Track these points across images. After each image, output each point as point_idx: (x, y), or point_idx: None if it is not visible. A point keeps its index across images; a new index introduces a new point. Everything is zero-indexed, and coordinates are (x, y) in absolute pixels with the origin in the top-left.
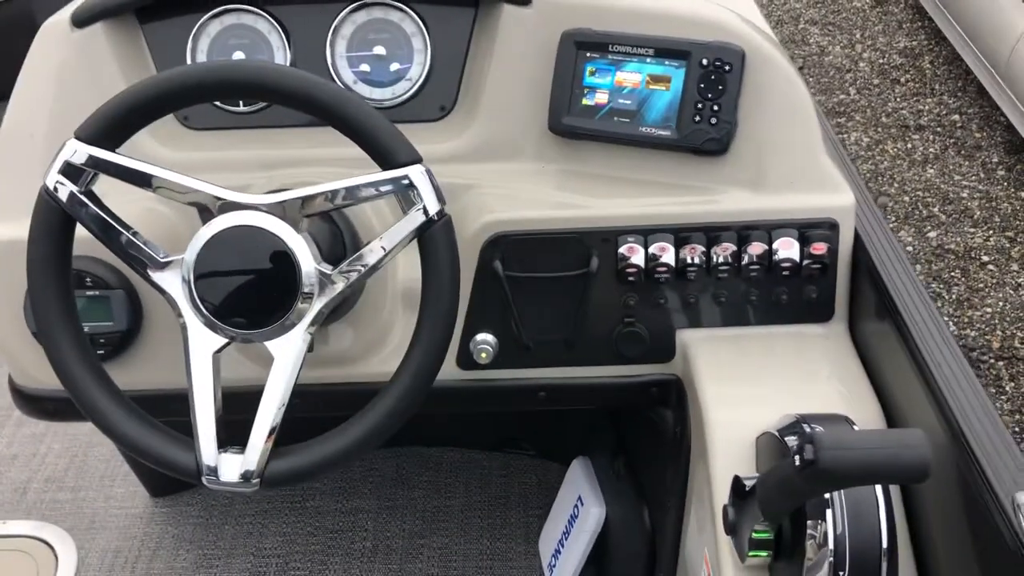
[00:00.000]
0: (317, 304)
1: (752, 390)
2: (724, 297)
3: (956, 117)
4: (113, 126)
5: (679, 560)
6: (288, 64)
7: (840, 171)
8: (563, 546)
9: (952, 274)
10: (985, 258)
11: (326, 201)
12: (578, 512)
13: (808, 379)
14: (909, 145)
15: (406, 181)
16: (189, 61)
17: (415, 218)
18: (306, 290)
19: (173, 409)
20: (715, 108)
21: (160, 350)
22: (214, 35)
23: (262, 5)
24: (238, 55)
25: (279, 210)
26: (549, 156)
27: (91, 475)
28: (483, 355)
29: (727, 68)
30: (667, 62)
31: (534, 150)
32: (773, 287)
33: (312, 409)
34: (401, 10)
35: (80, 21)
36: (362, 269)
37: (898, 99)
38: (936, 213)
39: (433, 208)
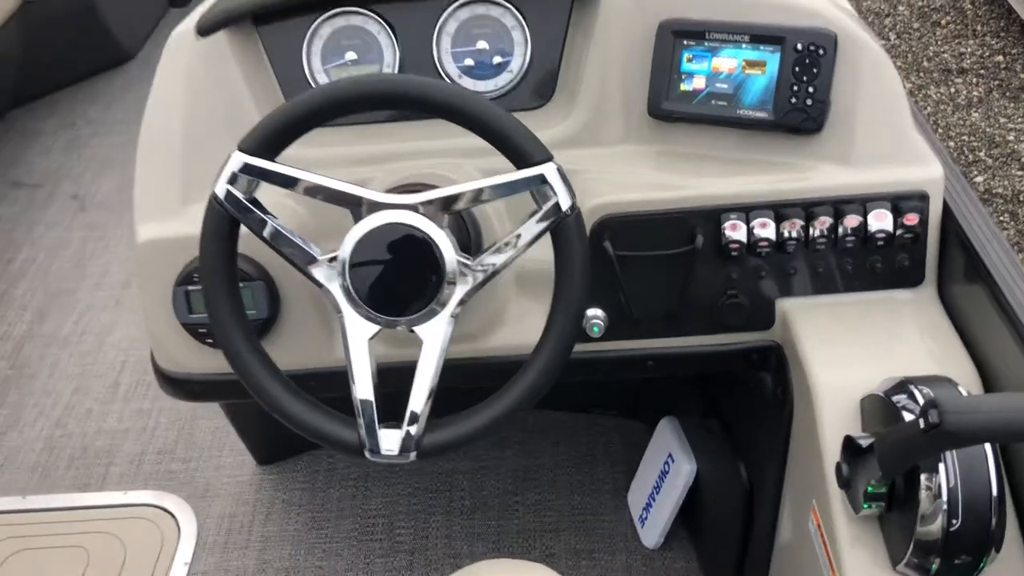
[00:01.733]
0: (459, 292)
1: (853, 354)
2: (821, 267)
3: (1000, 58)
4: (273, 138)
5: (780, 512)
6: (397, 61)
7: (927, 143)
8: (654, 500)
9: (1001, 219)
10: None
11: (470, 200)
12: (668, 468)
13: (904, 342)
14: (952, 89)
15: (541, 179)
16: (304, 62)
17: (549, 212)
18: (449, 279)
19: (308, 387)
20: (810, 90)
21: (295, 334)
22: (327, 37)
23: (371, 7)
24: (350, 55)
25: (425, 208)
26: (647, 139)
27: (199, 446)
28: (595, 329)
29: (821, 52)
30: (762, 47)
31: (632, 134)
32: (867, 256)
33: (441, 382)
34: (501, 5)
35: (204, 30)
36: (500, 260)
37: (939, 42)
38: (983, 157)
39: (566, 203)
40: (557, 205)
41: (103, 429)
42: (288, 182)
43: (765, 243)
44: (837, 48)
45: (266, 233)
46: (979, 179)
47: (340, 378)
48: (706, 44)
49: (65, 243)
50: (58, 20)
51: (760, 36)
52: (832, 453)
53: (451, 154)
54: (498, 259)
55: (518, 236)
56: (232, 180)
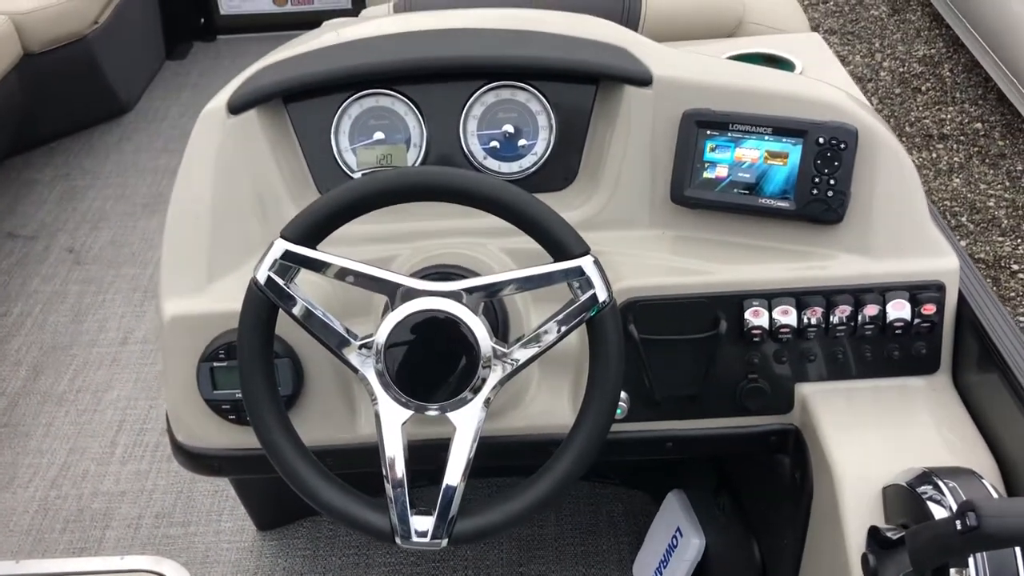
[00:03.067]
0: (493, 379)
1: (872, 441)
2: (840, 354)
3: (979, 125)
4: (317, 227)
5: None
6: (424, 142)
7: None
8: (660, 573)
9: None
10: (1015, 267)
11: (512, 290)
12: (677, 542)
13: (922, 429)
14: (934, 155)
15: (579, 271)
16: (332, 141)
17: (586, 304)
18: (484, 367)
19: (328, 464)
20: (831, 182)
21: (318, 410)
22: (355, 116)
23: (399, 89)
24: (378, 135)
25: (463, 295)
26: (669, 224)
27: (198, 510)
28: (618, 411)
29: (842, 146)
30: (784, 140)
31: (655, 218)
32: (885, 344)
33: None
34: (527, 91)
35: (235, 108)
36: (537, 349)
37: (920, 108)
38: (964, 223)
39: (602, 295)
40: (594, 296)
41: (99, 491)
42: (329, 270)
43: (786, 329)
44: (858, 142)
45: (303, 317)
46: (961, 244)
47: (361, 455)
48: (729, 135)
49: (61, 297)
50: (58, 72)
51: (783, 129)
52: (856, 541)
53: (472, 233)
54: (533, 350)
55: (559, 326)
56: (273, 266)
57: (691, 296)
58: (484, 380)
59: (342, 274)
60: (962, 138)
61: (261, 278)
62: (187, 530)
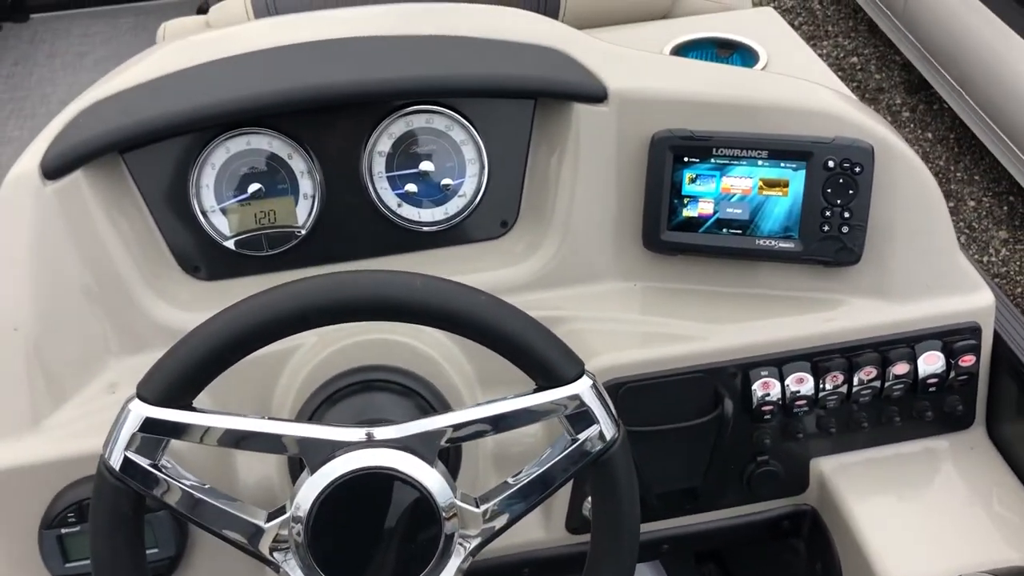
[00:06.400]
0: (462, 549)
1: (915, 526)
2: (864, 421)
3: (854, 59)
4: (188, 378)
5: None
6: (319, 193)
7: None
8: None
9: None
10: None
11: (475, 432)
12: None
13: (969, 504)
14: None
15: (576, 401)
16: (194, 201)
17: (586, 446)
18: (449, 531)
19: None
20: (846, 215)
21: (210, 567)
22: (220, 164)
23: (276, 124)
24: (255, 187)
25: (414, 442)
26: (643, 275)
27: None
28: None
29: (857, 169)
30: (784, 164)
31: (624, 269)
32: (915, 404)
33: None
34: (446, 115)
35: (53, 171)
36: (519, 510)
37: None
38: None
39: (610, 431)
40: (597, 433)
41: None
42: (210, 435)
43: (803, 401)
44: (874, 162)
45: (187, 507)
46: None
47: None
48: (713, 161)
49: None
50: None
51: (781, 151)
52: None
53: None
54: (517, 509)
55: (550, 477)
56: (132, 444)
57: (684, 371)
58: (451, 549)
59: (232, 440)
60: (840, 73)
61: (115, 461)
62: None
